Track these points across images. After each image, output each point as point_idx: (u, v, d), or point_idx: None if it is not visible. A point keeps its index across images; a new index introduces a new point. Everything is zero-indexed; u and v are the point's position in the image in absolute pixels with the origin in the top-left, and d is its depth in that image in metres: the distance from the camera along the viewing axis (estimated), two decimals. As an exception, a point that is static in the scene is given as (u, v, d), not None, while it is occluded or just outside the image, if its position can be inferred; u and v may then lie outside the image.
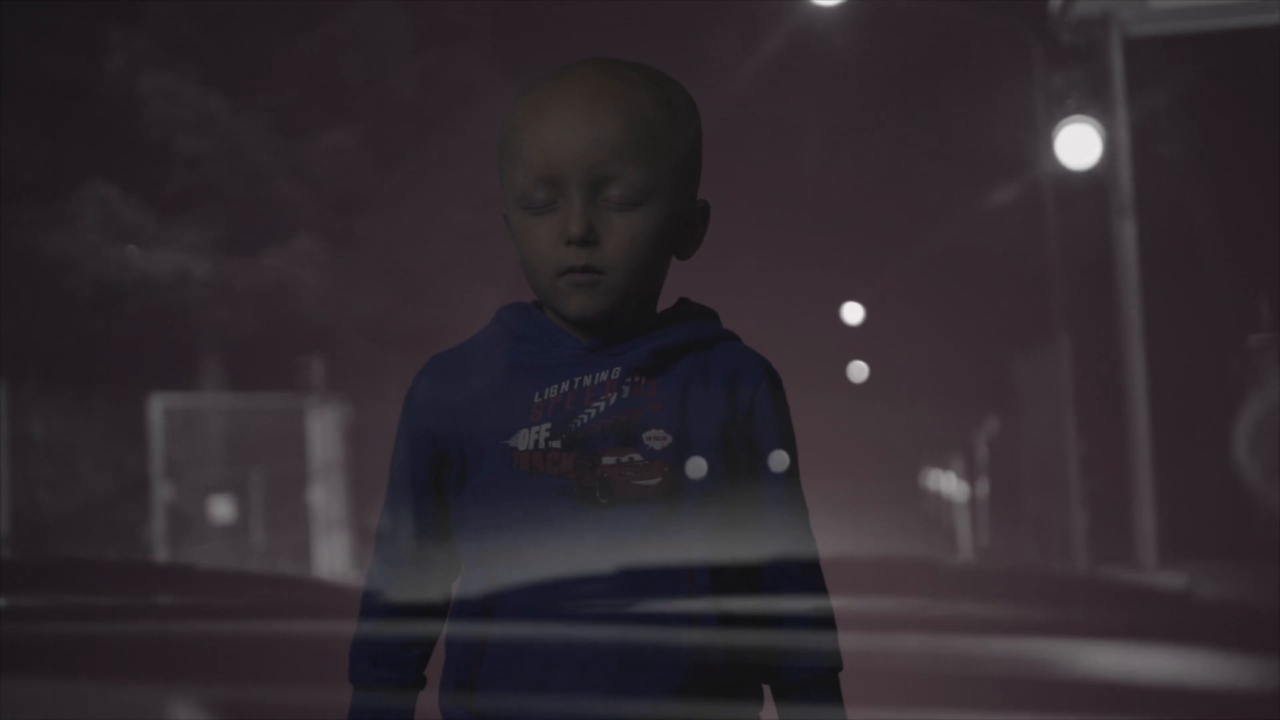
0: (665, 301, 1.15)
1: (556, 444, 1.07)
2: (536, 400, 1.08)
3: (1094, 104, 7.30)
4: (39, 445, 8.69)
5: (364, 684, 1.12)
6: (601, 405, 1.08)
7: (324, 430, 8.90)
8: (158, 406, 7.24)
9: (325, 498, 8.77)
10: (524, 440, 1.07)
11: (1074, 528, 8.00)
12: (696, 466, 1.07)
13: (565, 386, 1.09)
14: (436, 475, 1.10)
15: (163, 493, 7.17)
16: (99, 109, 8.47)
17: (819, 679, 1.09)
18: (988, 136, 9.96)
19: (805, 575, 1.11)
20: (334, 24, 8.87)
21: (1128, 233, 7.07)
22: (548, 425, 1.07)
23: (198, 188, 8.77)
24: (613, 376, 1.09)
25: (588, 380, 1.09)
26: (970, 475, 10.85)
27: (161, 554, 7.17)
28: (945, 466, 12.42)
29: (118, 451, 8.11)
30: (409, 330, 9.28)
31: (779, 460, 1.11)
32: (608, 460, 1.06)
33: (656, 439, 1.07)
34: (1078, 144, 7.29)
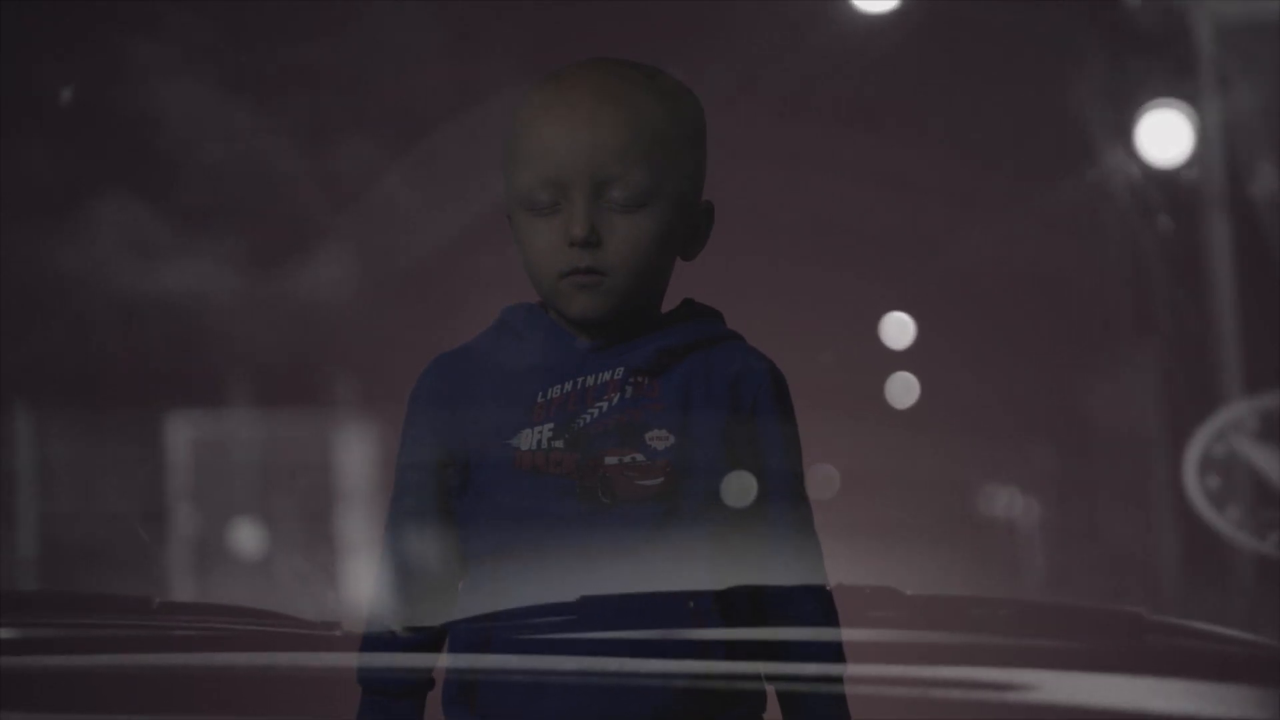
0: (670, 301, 1.20)
1: (559, 444, 1.17)
2: (539, 400, 1.18)
3: (1179, 91, 6.70)
4: (61, 472, 8.30)
5: (372, 685, 1.20)
6: (604, 405, 1.18)
7: (355, 451, 8.39)
8: (176, 428, 6.74)
9: (356, 523, 8.26)
10: (526, 440, 1.17)
11: (1160, 551, 7.35)
12: (739, 491, 1.12)
13: (568, 387, 1.19)
14: (440, 476, 1.20)
15: (180, 521, 6.67)
16: (115, 118, 8.03)
17: (824, 679, 1.17)
18: (1059, 128, 9.26)
19: (810, 576, 1.20)
20: (360, 27, 8.37)
21: (1220, 231, 6.48)
22: (550, 425, 1.18)
23: (219, 198, 8.35)
24: (615, 377, 1.19)
25: (590, 380, 1.19)
26: (1036, 497, 10.16)
27: (180, 586, 6.72)
28: (1008, 486, 11.78)
29: (139, 478, 7.70)
30: (446, 346, 8.81)
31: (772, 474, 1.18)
32: (610, 460, 1.16)
33: (659, 439, 1.17)
34: (1162, 135, 6.68)
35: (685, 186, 1.20)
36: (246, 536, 7.01)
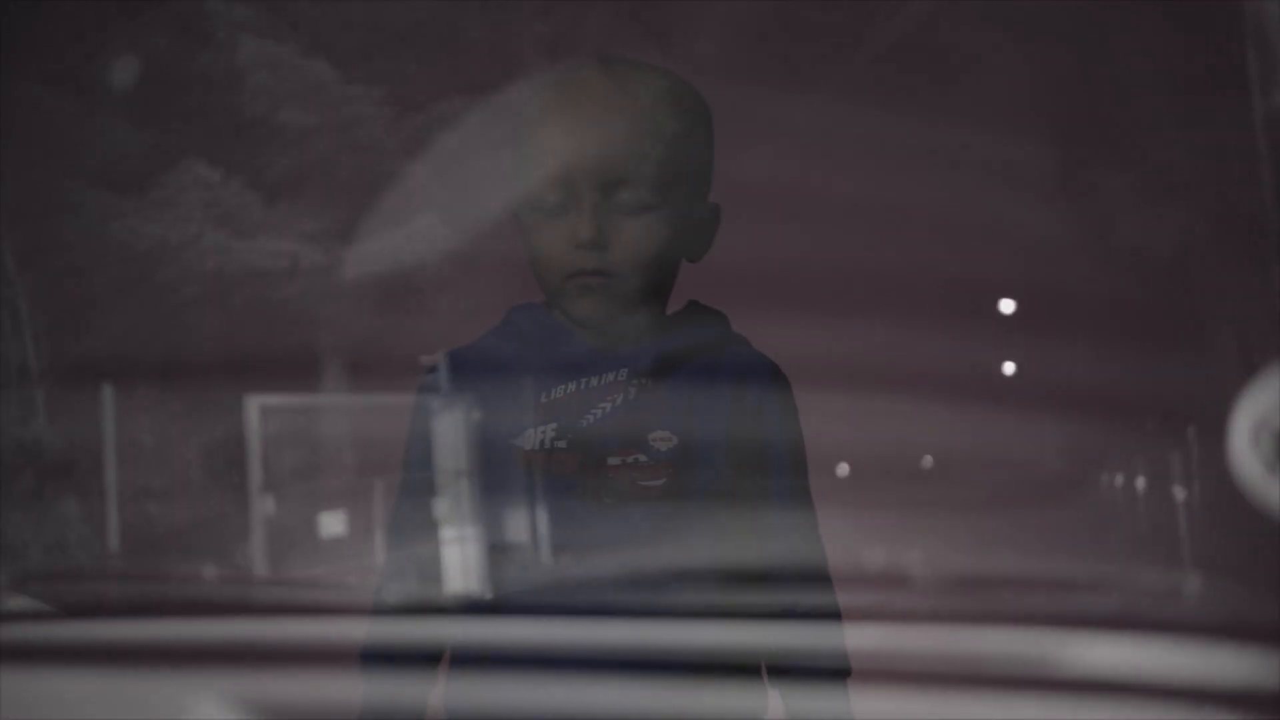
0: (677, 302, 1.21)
1: (562, 444, 1.11)
2: (543, 400, 1.13)
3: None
4: (147, 453, 8.00)
5: (375, 679, 1.15)
6: (608, 406, 1.12)
7: (451, 434, 7.92)
8: (256, 409, 6.37)
9: (453, 508, 7.79)
10: (530, 440, 1.12)
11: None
12: (742, 494, 1.13)
13: (572, 387, 1.13)
14: (446, 473, 1.14)
15: (263, 506, 6.32)
16: (196, 85, 7.72)
17: (827, 682, 1.12)
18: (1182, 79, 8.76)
19: (813, 579, 1.14)
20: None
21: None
22: (554, 425, 1.12)
23: (306, 168, 7.89)
24: (620, 377, 1.13)
25: (595, 381, 1.13)
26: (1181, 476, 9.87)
27: (262, 572, 6.44)
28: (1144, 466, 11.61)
29: (223, 460, 7.43)
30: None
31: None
32: (613, 461, 1.10)
33: (662, 440, 1.10)
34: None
35: (692, 188, 1.17)
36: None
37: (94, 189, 7.77)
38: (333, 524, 6.52)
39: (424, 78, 8.36)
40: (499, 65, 8.70)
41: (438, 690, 1.15)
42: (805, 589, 1.13)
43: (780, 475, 1.14)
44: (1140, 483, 11.05)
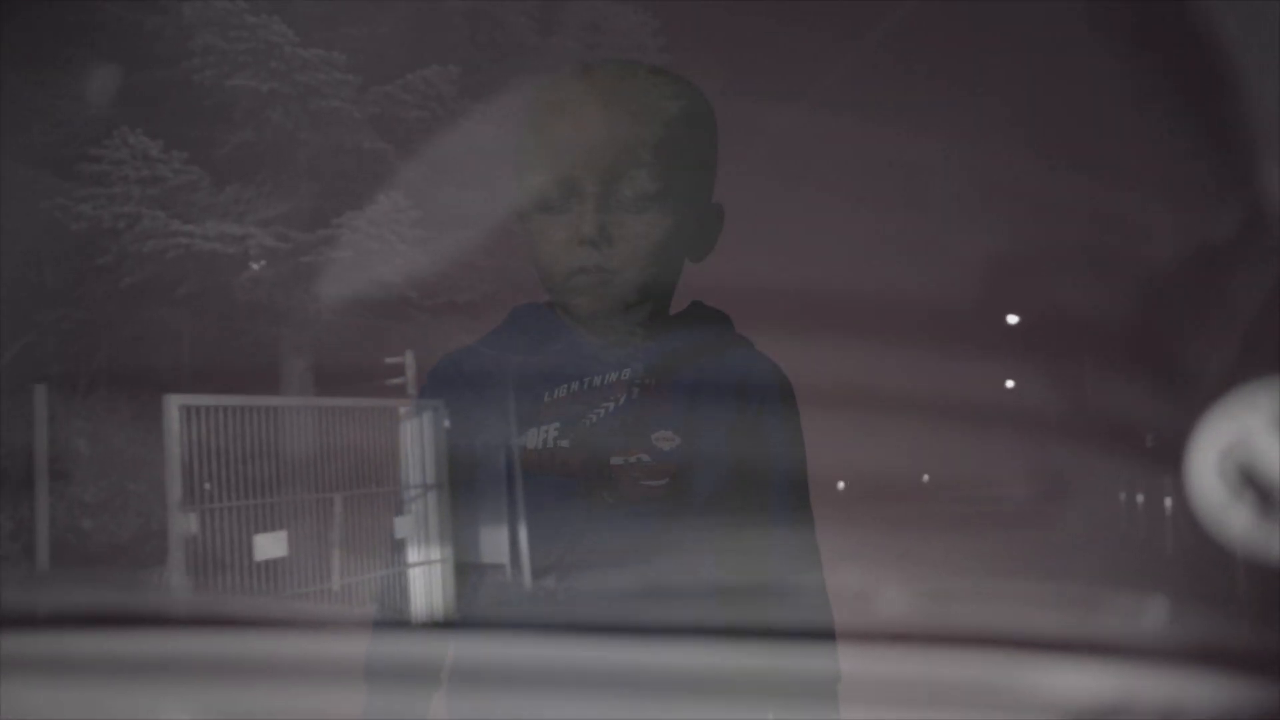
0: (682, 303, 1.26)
1: (565, 443, 1.13)
2: (546, 399, 1.15)
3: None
4: (82, 463, 7.25)
5: (380, 682, 1.17)
6: (611, 405, 1.14)
7: (418, 442, 7.04)
8: (176, 411, 5.44)
9: (418, 524, 6.88)
10: (533, 439, 1.14)
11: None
12: (742, 495, 1.17)
13: (575, 386, 1.16)
14: (450, 473, 1.18)
15: (184, 523, 5.42)
16: (132, 43, 7.02)
17: (818, 689, 1.14)
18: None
19: (808, 584, 1.16)
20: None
21: None
22: (556, 424, 1.14)
23: (259, 142, 7.62)
24: (623, 377, 1.16)
25: (598, 380, 1.16)
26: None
27: (183, 597, 5.56)
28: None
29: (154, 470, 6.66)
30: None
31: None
32: (615, 460, 1.12)
33: (665, 440, 1.12)
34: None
35: (695, 187, 1.19)
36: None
37: (14, 162, 7.20)
38: (270, 546, 5.63)
39: (394, 42, 7.83)
40: (477, 30, 8.33)
41: (439, 699, 1.16)
42: (800, 594, 1.15)
43: (781, 478, 1.16)
44: (1126, 500, 11.37)
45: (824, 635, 1.15)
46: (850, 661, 1.19)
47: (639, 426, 1.11)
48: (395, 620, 1.17)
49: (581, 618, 1.08)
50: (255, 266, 7.09)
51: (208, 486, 6.02)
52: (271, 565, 6.10)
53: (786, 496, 1.16)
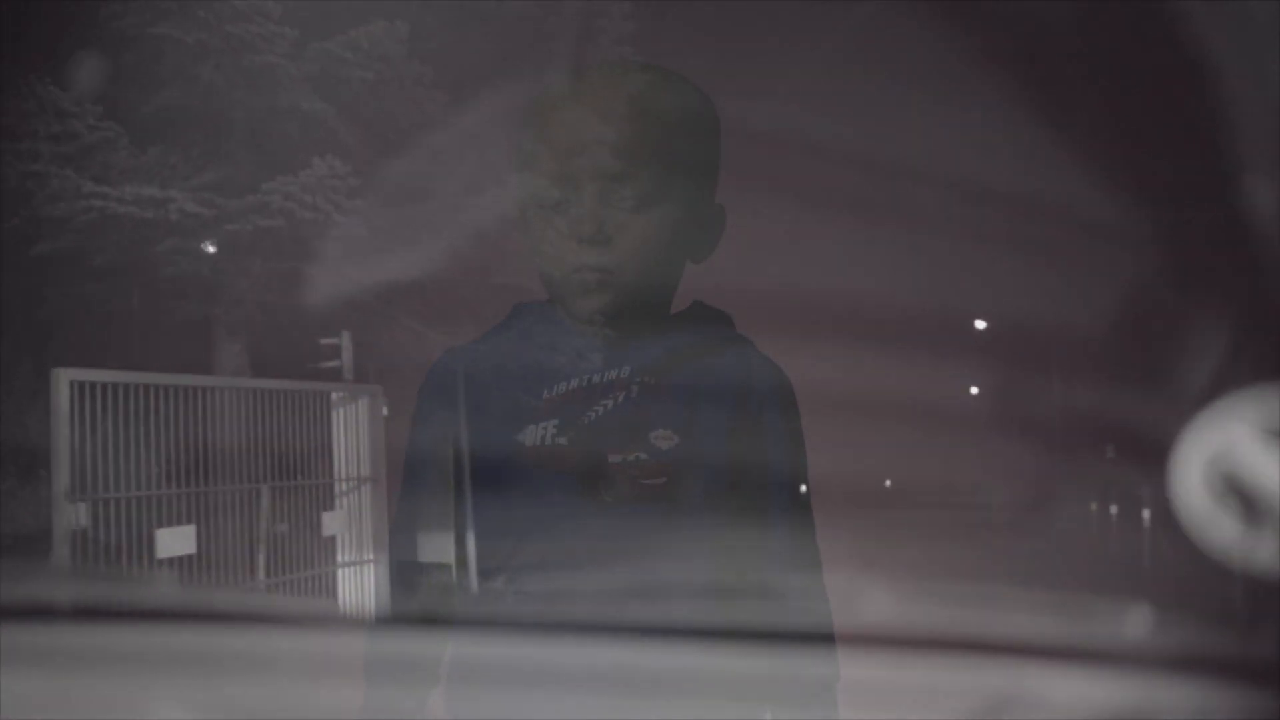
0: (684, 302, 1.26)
1: (563, 440, 1.13)
2: (545, 396, 1.16)
3: None
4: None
5: (378, 679, 1.18)
6: (610, 403, 1.15)
7: (351, 430, 6.53)
8: (66, 387, 4.82)
9: (350, 520, 6.36)
10: (531, 436, 1.14)
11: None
12: (741, 495, 1.17)
13: (574, 384, 1.17)
14: (449, 469, 1.16)
15: (69, 515, 4.82)
16: None
17: (816, 690, 1.15)
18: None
19: (806, 584, 1.17)
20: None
21: None
22: (555, 422, 1.14)
23: (186, 99, 6.97)
24: (622, 375, 1.16)
25: (597, 378, 1.17)
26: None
27: (69, 595, 4.91)
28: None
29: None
30: (467, 302, 7.50)
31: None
32: (614, 458, 1.13)
33: (664, 439, 1.13)
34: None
35: (696, 187, 1.20)
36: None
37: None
38: (174, 542, 5.06)
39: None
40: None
41: (437, 694, 1.15)
42: (799, 594, 1.15)
43: (780, 477, 1.17)
44: (1098, 510, 11.34)
45: (822, 635, 1.16)
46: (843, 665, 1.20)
47: (638, 425, 1.13)
48: (394, 617, 1.18)
49: (580, 617, 1.08)
50: (176, 231, 6.59)
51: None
52: (182, 564, 5.54)
53: (786, 496, 1.18)
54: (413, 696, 1.15)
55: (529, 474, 1.11)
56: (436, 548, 1.14)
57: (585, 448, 1.09)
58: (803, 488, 1.16)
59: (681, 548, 1.09)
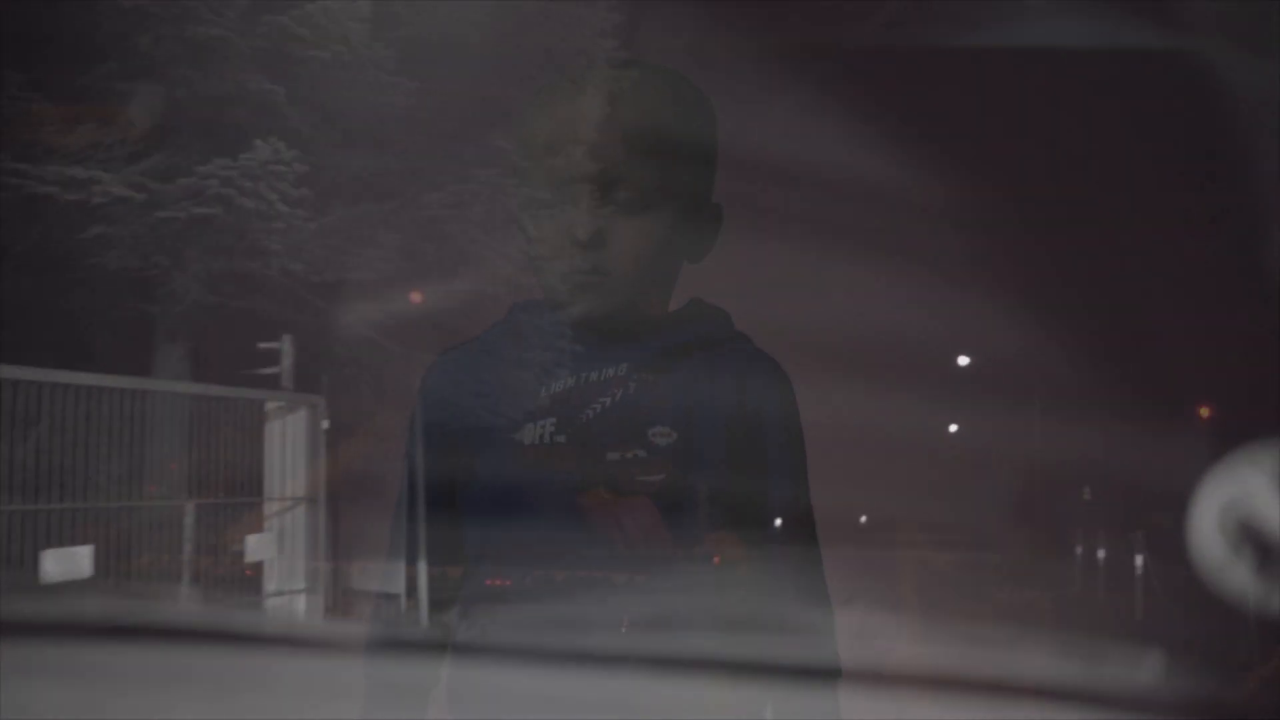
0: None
1: (561, 438, 1.13)
2: (543, 395, 1.15)
3: None
4: None
5: (378, 677, 1.13)
6: (607, 401, 1.13)
7: (289, 446, 6.07)
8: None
9: (284, 545, 5.86)
10: (529, 434, 1.13)
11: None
12: (739, 492, 1.06)
13: (572, 382, 1.15)
14: (447, 468, 1.12)
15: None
16: None
17: (818, 686, 1.09)
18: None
19: (808, 579, 1.14)
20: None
21: None
22: (553, 420, 1.15)
23: (117, 69, 6.33)
24: (620, 373, 1.15)
25: (594, 376, 1.15)
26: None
27: None
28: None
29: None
30: (428, 310, 6.69)
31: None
32: (612, 456, 1.11)
33: (662, 436, 1.10)
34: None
35: (693, 189, 1.20)
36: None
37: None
38: (64, 564, 4.47)
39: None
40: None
41: (439, 690, 1.11)
42: (800, 589, 1.08)
43: (779, 474, 1.12)
44: (1083, 553, 10.90)
45: (823, 632, 1.13)
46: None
47: (635, 422, 1.12)
48: (392, 626, 1.12)
49: (577, 615, 1.00)
50: (99, 215, 6.03)
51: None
52: (75, 589, 4.97)
53: (784, 492, 1.15)
54: (411, 704, 1.12)
55: (528, 472, 1.09)
56: (437, 548, 1.11)
57: (583, 445, 1.09)
58: (802, 483, 1.11)
59: (681, 544, 1.05)
